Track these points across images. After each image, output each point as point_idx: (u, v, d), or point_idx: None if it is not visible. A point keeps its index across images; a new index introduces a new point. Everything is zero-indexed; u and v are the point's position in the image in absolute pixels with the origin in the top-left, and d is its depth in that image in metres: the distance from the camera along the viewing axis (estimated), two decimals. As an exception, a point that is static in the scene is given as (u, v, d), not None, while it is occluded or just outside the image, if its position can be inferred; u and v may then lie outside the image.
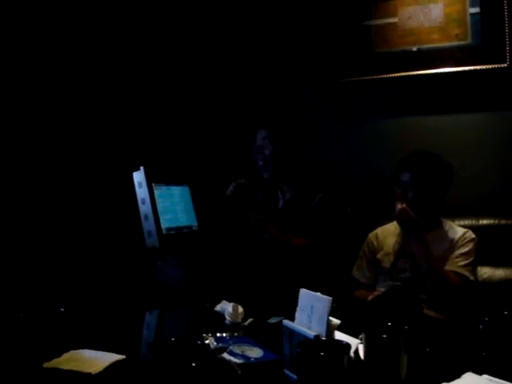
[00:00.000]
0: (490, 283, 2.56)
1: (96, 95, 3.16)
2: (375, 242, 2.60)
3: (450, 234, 2.48)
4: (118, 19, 3.26)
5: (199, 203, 2.94)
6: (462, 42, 2.93)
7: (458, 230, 2.50)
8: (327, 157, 3.02)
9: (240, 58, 3.41)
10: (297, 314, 1.54)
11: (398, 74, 3.06)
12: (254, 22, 3.35)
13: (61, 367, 1.54)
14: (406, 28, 3.03)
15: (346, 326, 1.51)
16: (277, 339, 1.56)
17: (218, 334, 1.76)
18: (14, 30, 2.81)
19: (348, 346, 1.33)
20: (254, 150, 2.66)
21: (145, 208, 2.61)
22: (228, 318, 2.00)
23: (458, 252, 2.41)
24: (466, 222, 2.66)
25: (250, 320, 2.01)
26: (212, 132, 3.45)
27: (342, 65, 3.16)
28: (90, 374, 1.50)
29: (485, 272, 2.57)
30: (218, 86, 3.45)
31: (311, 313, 1.48)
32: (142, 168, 2.64)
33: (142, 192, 2.63)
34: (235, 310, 2.01)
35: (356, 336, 1.49)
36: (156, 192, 2.65)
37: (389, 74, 3.08)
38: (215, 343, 1.64)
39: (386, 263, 2.51)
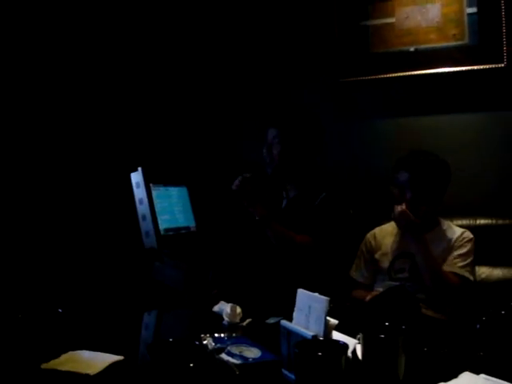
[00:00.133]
0: (487, 283, 2.56)
1: (94, 96, 3.15)
2: (373, 242, 2.60)
3: (448, 234, 2.48)
4: (115, 19, 3.26)
5: (197, 204, 2.94)
6: (459, 42, 2.94)
7: (456, 229, 2.50)
8: (324, 156, 3.02)
9: (238, 58, 3.41)
10: (294, 315, 1.54)
11: (396, 75, 3.06)
12: (252, 21, 3.35)
13: (59, 368, 1.54)
14: (403, 28, 3.04)
15: (343, 326, 1.51)
16: (275, 339, 1.56)
17: (216, 335, 1.76)
18: (13, 29, 2.80)
19: (346, 346, 1.34)
20: (264, 147, 2.66)
21: (143, 209, 2.62)
22: (226, 318, 2.00)
23: (456, 253, 2.41)
24: (464, 222, 2.66)
25: (248, 320, 2.01)
26: (210, 133, 3.45)
27: (340, 65, 3.17)
28: (88, 374, 1.50)
29: (482, 272, 2.58)
30: (215, 87, 3.45)
31: (309, 313, 1.48)
32: (139, 169, 2.64)
33: (139, 192, 2.63)
34: (233, 310, 2.01)
35: (354, 336, 1.49)
36: (154, 193, 2.65)
37: (386, 74, 3.08)
38: (213, 344, 1.64)
39: (384, 263, 2.52)
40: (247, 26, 3.36)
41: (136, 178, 2.65)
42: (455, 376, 1.39)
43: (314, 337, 1.40)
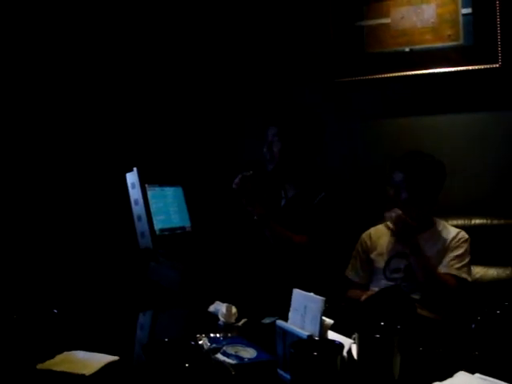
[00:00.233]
0: (482, 283, 2.57)
1: (89, 96, 3.15)
2: (368, 242, 2.61)
3: (444, 234, 2.49)
4: (113, 18, 3.26)
5: (192, 204, 2.94)
6: (454, 43, 2.95)
7: (451, 229, 2.51)
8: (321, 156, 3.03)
9: (235, 58, 3.41)
10: (290, 314, 1.54)
11: (391, 75, 3.07)
12: (250, 21, 3.35)
13: (54, 369, 1.53)
14: (398, 29, 3.04)
15: (339, 325, 1.51)
16: (270, 339, 1.56)
17: (212, 335, 1.76)
18: (10, 28, 2.80)
19: (341, 345, 1.34)
20: (265, 146, 2.66)
21: (138, 209, 2.62)
22: (222, 318, 2.00)
23: (453, 254, 2.41)
24: (459, 222, 2.67)
25: (243, 320, 2.01)
26: (205, 133, 3.44)
27: (335, 65, 3.17)
28: (83, 375, 1.50)
29: (477, 272, 2.58)
30: (211, 87, 3.45)
31: (304, 313, 1.48)
32: (135, 169, 2.64)
33: (135, 193, 2.63)
34: (229, 310, 2.01)
35: (349, 336, 1.49)
36: (149, 193, 2.65)
37: (381, 74, 3.08)
38: (209, 344, 1.64)
39: (380, 263, 2.52)
40: (245, 25, 3.36)
41: (131, 178, 2.64)
42: (450, 375, 1.39)
43: (310, 337, 1.40)
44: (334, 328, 1.49)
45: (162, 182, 2.81)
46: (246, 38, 3.36)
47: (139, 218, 2.61)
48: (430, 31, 2.98)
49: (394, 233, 2.53)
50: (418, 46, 3.01)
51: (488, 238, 2.64)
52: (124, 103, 3.30)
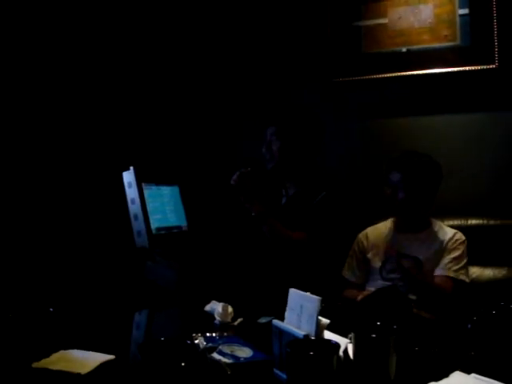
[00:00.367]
0: (478, 283, 2.57)
1: (86, 95, 3.14)
2: (365, 242, 2.61)
3: (440, 235, 2.49)
4: (112, 16, 3.25)
5: (189, 203, 2.94)
6: (451, 43, 2.95)
7: (447, 230, 2.52)
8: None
9: (233, 57, 3.41)
10: (286, 314, 1.54)
11: (388, 75, 3.07)
12: (248, 21, 3.36)
13: (50, 367, 1.53)
14: (395, 29, 3.05)
15: (335, 325, 1.51)
16: (266, 339, 1.56)
17: (208, 334, 1.76)
18: (9, 27, 2.80)
19: (337, 345, 1.34)
20: (264, 145, 2.67)
21: (134, 208, 2.61)
22: (218, 317, 2.00)
23: (450, 256, 2.42)
24: (455, 222, 2.67)
25: (239, 320, 2.01)
26: (202, 133, 3.44)
27: (332, 65, 3.17)
28: (79, 374, 1.49)
29: (473, 272, 2.58)
30: (208, 87, 3.45)
31: (301, 312, 1.48)
32: (131, 168, 2.63)
33: (131, 192, 2.62)
34: (225, 309, 2.01)
35: (345, 335, 1.49)
36: (146, 192, 2.65)
37: (378, 74, 3.09)
38: (205, 343, 1.64)
39: (376, 263, 2.52)
40: (243, 25, 3.36)
41: (128, 177, 2.64)
42: (446, 375, 1.39)
43: (306, 336, 1.40)
44: (330, 328, 1.48)
45: (159, 181, 2.81)
46: (244, 37, 3.36)
47: (136, 217, 2.61)
48: (427, 31, 2.99)
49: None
50: (415, 47, 3.02)
51: (484, 238, 2.65)
52: (121, 102, 3.30)
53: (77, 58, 3.11)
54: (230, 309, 2.02)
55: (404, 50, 3.03)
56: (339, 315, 1.65)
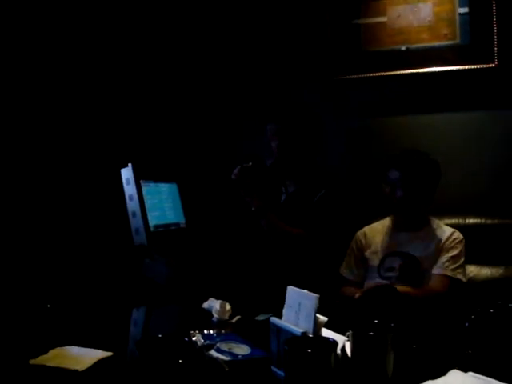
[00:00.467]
0: (475, 282, 2.58)
1: (84, 92, 3.14)
2: (363, 240, 2.61)
3: (438, 234, 2.49)
4: (112, 15, 3.25)
5: (187, 200, 2.94)
6: (450, 42, 2.95)
7: (445, 229, 2.52)
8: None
9: (232, 55, 3.40)
10: (284, 312, 1.54)
11: (387, 73, 3.07)
12: (246, 20, 3.35)
13: (47, 364, 1.53)
14: (395, 27, 3.04)
15: (333, 323, 1.51)
16: (264, 336, 1.56)
17: (206, 331, 1.76)
18: (9, 26, 2.79)
19: (335, 343, 1.34)
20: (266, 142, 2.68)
21: (132, 205, 2.61)
22: (215, 315, 2.00)
23: (448, 255, 2.42)
24: (453, 221, 2.67)
25: (237, 317, 2.01)
26: (200, 130, 3.44)
27: (332, 64, 3.17)
28: (76, 370, 1.49)
29: (471, 271, 2.59)
30: (207, 84, 3.44)
31: (298, 310, 1.48)
32: (130, 165, 2.63)
33: (129, 189, 2.62)
34: (223, 307, 2.01)
35: (343, 333, 1.49)
36: (144, 189, 2.64)
37: (377, 72, 3.09)
38: (202, 340, 1.64)
39: (374, 261, 2.52)
40: (243, 23, 3.35)
41: (126, 174, 2.64)
42: (444, 374, 1.39)
43: (304, 334, 1.40)
44: (328, 325, 1.49)
45: (157, 178, 2.81)
46: (244, 36, 3.35)
47: (134, 214, 2.61)
48: (426, 30, 2.98)
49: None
50: (414, 45, 3.01)
51: (482, 237, 2.65)
52: (119, 99, 3.29)
53: (75, 56, 3.10)
54: (227, 306, 2.02)
55: (403, 48, 3.03)
56: (337, 313, 1.65)
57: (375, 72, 3.09)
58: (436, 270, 2.41)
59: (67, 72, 3.06)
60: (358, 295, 2.30)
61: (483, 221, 2.71)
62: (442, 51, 2.96)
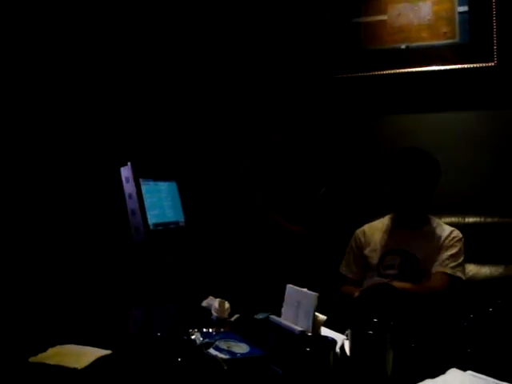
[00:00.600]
0: (475, 281, 2.58)
1: (83, 91, 3.14)
2: (362, 238, 2.61)
3: (438, 232, 2.49)
4: (112, 15, 3.24)
5: (186, 199, 2.94)
6: (450, 41, 2.95)
7: (445, 227, 2.52)
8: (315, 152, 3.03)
9: (231, 54, 3.40)
10: (283, 310, 1.54)
11: (387, 72, 3.07)
12: (246, 19, 3.35)
13: (46, 362, 1.53)
14: (395, 25, 3.04)
15: (332, 321, 1.51)
16: (263, 335, 1.57)
17: (205, 330, 1.76)
18: (9, 25, 2.79)
19: (334, 341, 1.34)
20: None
21: (132, 203, 2.61)
22: (214, 313, 2.00)
23: (447, 253, 2.42)
24: (453, 220, 2.67)
25: (236, 316, 2.01)
26: (200, 128, 3.44)
27: (332, 62, 3.17)
28: (75, 368, 1.49)
29: (470, 269, 2.59)
30: (205, 82, 3.44)
31: (298, 309, 1.48)
32: (129, 163, 2.63)
33: (129, 187, 2.62)
34: (222, 305, 2.01)
35: (342, 332, 1.49)
36: (143, 187, 2.64)
37: (377, 71, 3.09)
38: (201, 338, 1.64)
39: (374, 259, 2.52)
40: (242, 22, 3.35)
41: (125, 172, 2.64)
42: (443, 372, 1.39)
43: (303, 332, 1.40)
44: (327, 324, 1.49)
45: (156, 177, 2.81)
46: (243, 35, 3.35)
47: (133, 212, 2.61)
48: (426, 28, 2.99)
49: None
50: (414, 44, 3.02)
51: (481, 235, 2.65)
52: (119, 98, 3.29)
53: (75, 55, 3.09)
54: (226, 304, 2.02)
55: (403, 46, 3.03)
56: (336, 312, 1.65)
57: (375, 70, 3.09)
58: (436, 268, 2.41)
59: (67, 72, 3.06)
60: (357, 294, 2.31)
61: (482, 219, 2.72)
62: (441, 50, 2.96)
